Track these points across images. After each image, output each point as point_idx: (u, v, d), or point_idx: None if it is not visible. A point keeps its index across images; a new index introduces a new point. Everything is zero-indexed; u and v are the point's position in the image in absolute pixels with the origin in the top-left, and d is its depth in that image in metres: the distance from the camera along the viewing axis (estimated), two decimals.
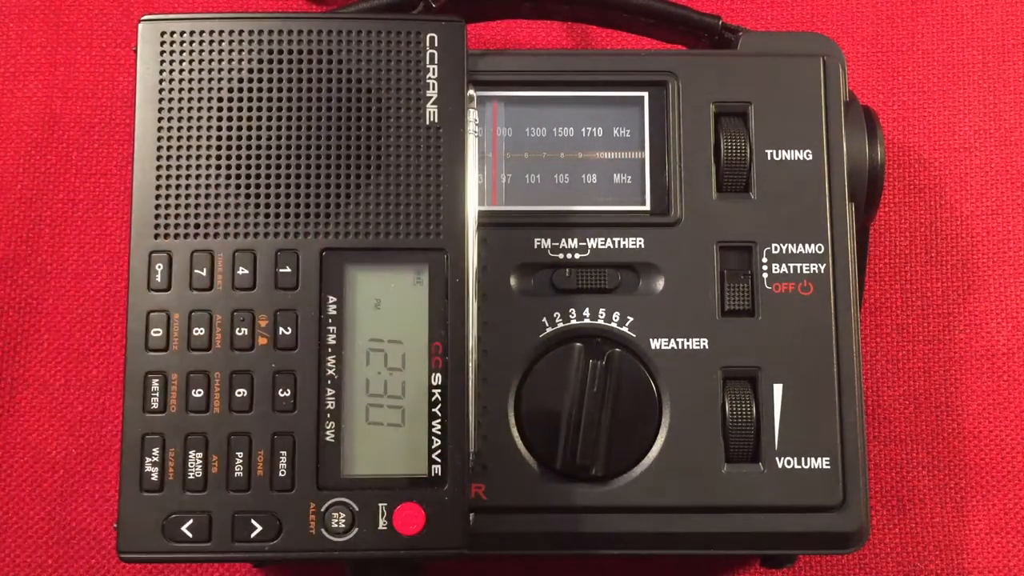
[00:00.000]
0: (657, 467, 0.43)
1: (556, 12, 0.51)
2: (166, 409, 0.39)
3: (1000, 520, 0.54)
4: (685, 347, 0.44)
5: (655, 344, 0.44)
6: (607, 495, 0.43)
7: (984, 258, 0.57)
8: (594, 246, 0.45)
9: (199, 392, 0.39)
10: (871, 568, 0.53)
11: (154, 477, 0.39)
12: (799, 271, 0.45)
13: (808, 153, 0.45)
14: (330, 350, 0.40)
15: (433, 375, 0.40)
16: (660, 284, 0.44)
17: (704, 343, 0.44)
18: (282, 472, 0.39)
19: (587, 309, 0.44)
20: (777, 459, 0.43)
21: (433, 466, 0.39)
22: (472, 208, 0.42)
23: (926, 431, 0.55)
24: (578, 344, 0.44)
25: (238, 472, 0.39)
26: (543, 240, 0.45)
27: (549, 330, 0.44)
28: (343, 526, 0.38)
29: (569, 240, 0.45)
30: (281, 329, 0.40)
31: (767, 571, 0.52)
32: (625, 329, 0.44)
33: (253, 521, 0.38)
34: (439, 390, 0.40)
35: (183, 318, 0.40)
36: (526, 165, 0.46)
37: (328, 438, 0.39)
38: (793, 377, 0.44)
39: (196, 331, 0.40)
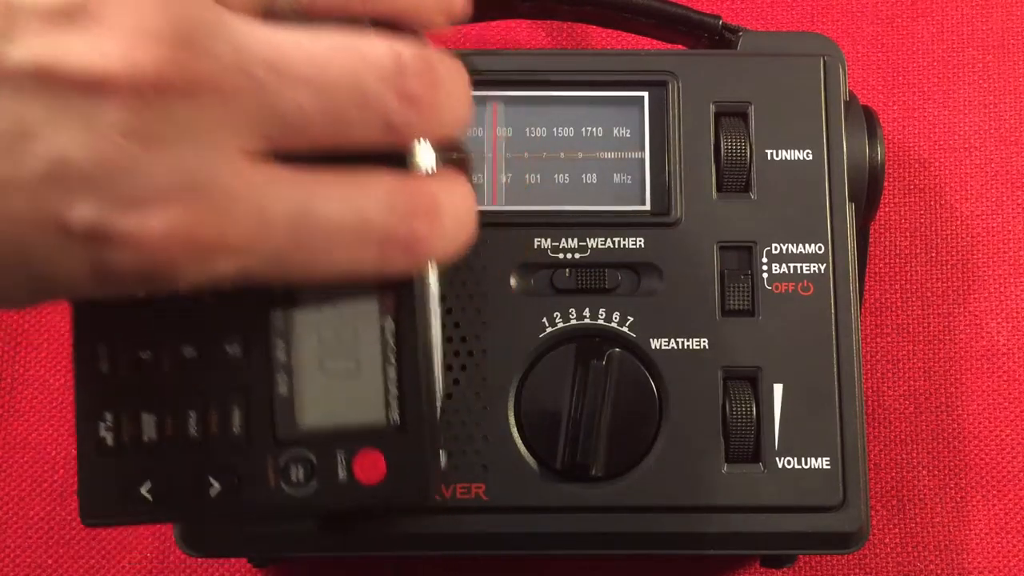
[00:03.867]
0: (657, 467, 0.43)
1: (556, 12, 0.51)
2: (117, 372, 0.38)
3: (1000, 520, 0.54)
4: (685, 347, 0.44)
5: (655, 344, 0.44)
6: (607, 495, 0.43)
7: (984, 258, 0.57)
8: (594, 246, 0.45)
9: (147, 353, 0.38)
10: (871, 568, 0.53)
11: (109, 442, 0.38)
12: (799, 271, 0.45)
13: (808, 153, 0.45)
14: (278, 302, 0.38)
15: (384, 319, 0.38)
16: (660, 284, 0.44)
17: (704, 343, 0.44)
18: (237, 428, 0.37)
19: (587, 309, 0.44)
20: (777, 459, 0.43)
21: (391, 414, 0.37)
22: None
23: (926, 431, 0.55)
24: (578, 344, 0.44)
25: (193, 431, 0.37)
26: (543, 240, 0.45)
27: (549, 330, 0.44)
28: (302, 479, 0.37)
29: (569, 240, 0.45)
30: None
31: (767, 571, 0.52)
32: (625, 329, 0.44)
33: (211, 479, 0.37)
34: (392, 335, 0.38)
35: None
36: (526, 165, 0.46)
37: (282, 391, 0.38)
38: (793, 377, 0.44)
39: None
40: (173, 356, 0.38)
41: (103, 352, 0.38)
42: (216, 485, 0.37)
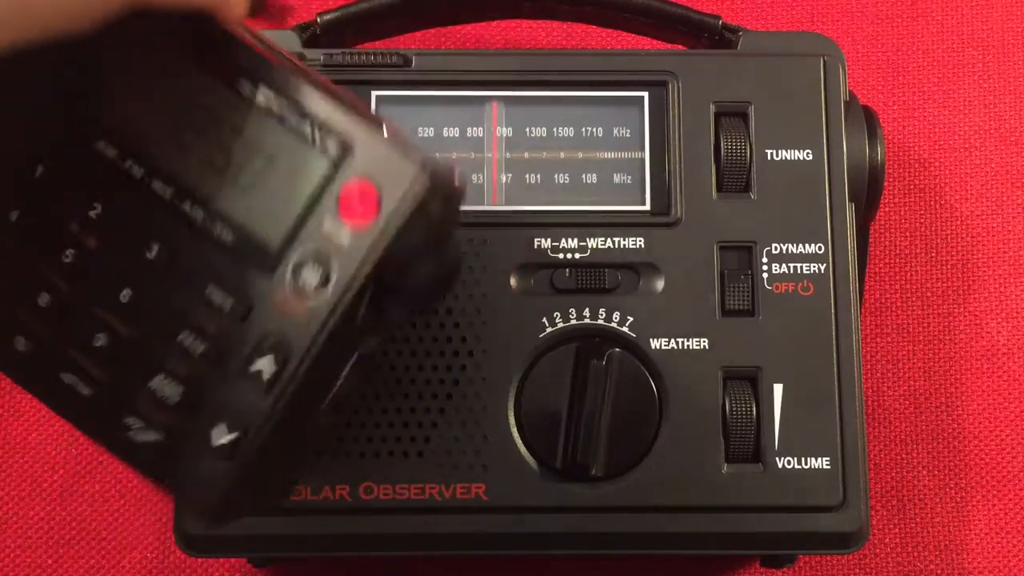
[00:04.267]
0: (657, 467, 0.43)
1: (556, 12, 0.51)
2: (99, 381, 0.34)
3: (1000, 520, 0.54)
4: (685, 347, 0.44)
5: (655, 344, 0.44)
6: (607, 495, 0.43)
7: (984, 258, 0.57)
8: (594, 246, 0.45)
9: (101, 337, 0.34)
10: (871, 568, 0.53)
11: (157, 436, 0.33)
12: (799, 271, 0.45)
13: (808, 153, 0.45)
14: (147, 175, 0.33)
15: (238, 86, 0.33)
16: (660, 284, 0.44)
17: (704, 343, 0.44)
18: (228, 305, 0.33)
19: (587, 309, 0.44)
20: (777, 459, 0.43)
21: (328, 151, 0.33)
22: None
23: (926, 431, 0.55)
24: (578, 344, 0.44)
25: (202, 347, 0.33)
26: (543, 240, 0.45)
27: (549, 330, 0.44)
28: (320, 279, 0.32)
29: (569, 240, 0.45)
30: (91, 213, 0.33)
31: (767, 571, 0.52)
32: (625, 329, 0.44)
33: (257, 364, 0.32)
34: (253, 91, 0.33)
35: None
36: (526, 165, 0.46)
37: (227, 239, 0.33)
38: (793, 377, 0.44)
39: (41, 300, 0.34)
40: (120, 311, 0.33)
41: (71, 380, 0.34)
42: (266, 364, 0.32)
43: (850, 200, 0.45)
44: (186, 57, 0.34)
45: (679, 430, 0.43)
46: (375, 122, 0.33)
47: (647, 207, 0.45)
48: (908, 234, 0.57)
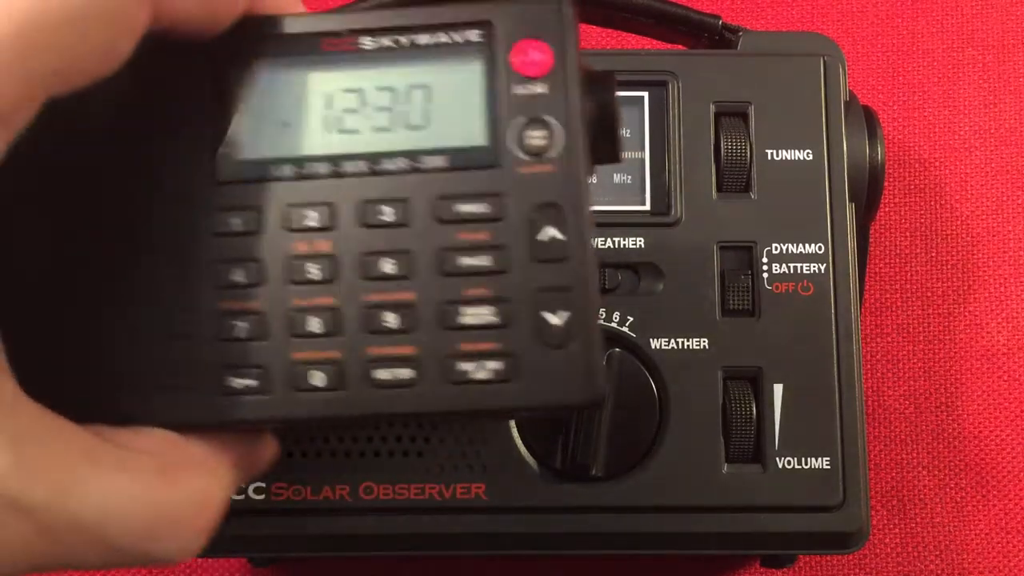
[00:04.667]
0: (657, 467, 0.43)
1: None
2: (409, 359, 0.32)
3: (1000, 520, 0.54)
4: (685, 347, 0.44)
5: (655, 344, 0.44)
6: (607, 495, 0.43)
7: (984, 258, 0.57)
8: (594, 246, 0.45)
9: (391, 319, 0.33)
10: (871, 568, 0.53)
11: (494, 365, 0.32)
12: (799, 271, 0.45)
13: (808, 153, 0.45)
14: (331, 172, 0.33)
15: (347, 50, 0.33)
16: (660, 284, 0.44)
17: (704, 343, 0.44)
18: (479, 210, 0.32)
19: None
20: (777, 459, 0.43)
21: (469, 41, 0.33)
22: None
23: (926, 431, 0.55)
24: None
25: (481, 262, 0.32)
26: None
27: None
28: (545, 133, 0.32)
29: None
30: (307, 223, 0.33)
31: (767, 571, 0.52)
32: (625, 329, 0.44)
33: (544, 243, 0.32)
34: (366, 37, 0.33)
35: None
36: None
37: (440, 165, 0.33)
38: (793, 377, 0.44)
39: (312, 327, 0.33)
40: (395, 280, 0.33)
41: (387, 373, 0.32)
42: (551, 233, 0.33)
43: (850, 200, 0.45)
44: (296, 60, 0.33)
45: (679, 430, 0.43)
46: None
47: (647, 207, 0.45)
48: (908, 234, 0.57)
